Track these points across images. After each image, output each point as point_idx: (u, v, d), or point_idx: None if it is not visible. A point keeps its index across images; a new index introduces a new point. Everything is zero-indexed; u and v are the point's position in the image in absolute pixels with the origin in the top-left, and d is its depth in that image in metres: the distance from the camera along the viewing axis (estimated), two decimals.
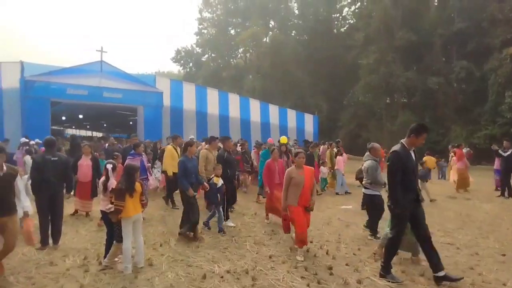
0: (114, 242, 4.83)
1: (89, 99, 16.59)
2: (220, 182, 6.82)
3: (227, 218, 7.14)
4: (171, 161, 8.58)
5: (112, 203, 4.65)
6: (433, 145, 24.34)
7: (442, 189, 12.85)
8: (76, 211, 7.59)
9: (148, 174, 8.99)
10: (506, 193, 10.92)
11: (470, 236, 6.53)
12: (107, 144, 13.16)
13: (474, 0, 25.05)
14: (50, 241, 5.53)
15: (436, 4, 29.41)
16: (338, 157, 12.09)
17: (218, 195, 6.72)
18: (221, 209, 6.76)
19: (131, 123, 25.59)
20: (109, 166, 5.15)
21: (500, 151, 11.49)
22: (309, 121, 25.21)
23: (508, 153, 10.96)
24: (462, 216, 8.50)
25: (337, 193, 11.56)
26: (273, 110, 23.54)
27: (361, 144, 16.79)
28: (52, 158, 5.54)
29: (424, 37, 28.32)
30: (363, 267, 4.90)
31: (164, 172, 9.01)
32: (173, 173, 8.32)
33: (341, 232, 6.70)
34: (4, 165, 4.39)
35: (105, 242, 5.07)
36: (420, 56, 29.67)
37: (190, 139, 14.57)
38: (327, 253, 5.46)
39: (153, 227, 6.78)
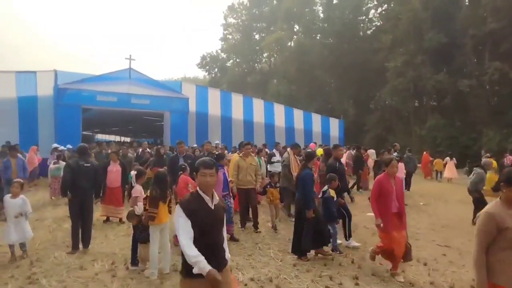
0: (138, 244, 4.95)
1: (118, 106, 17.13)
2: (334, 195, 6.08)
3: (349, 235, 6.24)
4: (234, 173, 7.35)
5: (145, 210, 4.77)
6: (463, 150, 23.51)
7: None
8: (108, 218, 7.71)
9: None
10: None
11: None
12: (140, 150, 12.02)
13: None
14: (81, 245, 5.71)
15: (467, 4, 28.46)
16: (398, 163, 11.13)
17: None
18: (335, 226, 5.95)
19: (157, 128, 26.12)
20: (133, 173, 5.30)
21: None
22: (334, 125, 24.98)
23: None
24: None
25: None
26: (298, 115, 23.49)
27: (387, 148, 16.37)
28: (85, 164, 5.76)
29: (455, 38, 27.41)
30: (390, 278, 4.78)
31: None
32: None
33: (367, 240, 6.56)
34: None
35: (131, 247, 5.18)
36: (451, 58, 28.71)
37: (216, 144, 14.80)
38: (352, 262, 5.37)
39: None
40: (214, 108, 19.95)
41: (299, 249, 5.54)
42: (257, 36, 49.22)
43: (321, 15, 43.32)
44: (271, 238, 6.71)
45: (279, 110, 22.82)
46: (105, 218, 7.69)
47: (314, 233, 5.42)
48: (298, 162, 8.08)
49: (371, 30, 39.63)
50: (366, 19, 40.18)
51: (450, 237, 6.90)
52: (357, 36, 38.40)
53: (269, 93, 37.74)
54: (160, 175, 4.98)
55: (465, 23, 26.37)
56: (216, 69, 51.06)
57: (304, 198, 5.51)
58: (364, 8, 39.38)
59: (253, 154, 8.00)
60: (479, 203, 7.52)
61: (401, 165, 10.11)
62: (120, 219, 7.67)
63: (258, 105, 22.17)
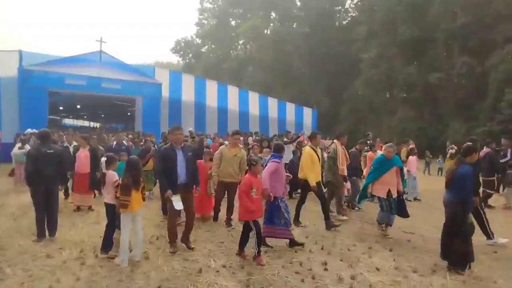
0: (116, 230, 4.86)
1: (87, 89, 16.59)
2: None
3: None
4: (311, 166, 6.66)
5: (117, 197, 4.67)
6: (431, 141, 24.38)
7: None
8: (78, 208, 7.47)
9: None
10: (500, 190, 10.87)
11: None
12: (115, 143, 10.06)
13: None
14: (47, 233, 5.55)
15: None
16: (410, 157, 10.67)
17: None
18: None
19: (129, 114, 25.56)
20: (103, 159, 5.19)
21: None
22: (308, 115, 25.24)
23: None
24: None
25: (408, 200, 9.51)
26: (272, 103, 23.55)
27: (359, 138, 16.75)
28: (48, 151, 5.54)
29: (427, 32, 28.18)
30: (358, 263, 4.94)
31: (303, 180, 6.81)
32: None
33: (337, 228, 6.73)
34: None
35: (103, 235, 5.07)
36: (422, 51, 29.54)
37: (189, 131, 14.63)
38: (322, 249, 5.49)
39: (150, 220, 6.80)
40: (188, 95, 19.69)
41: (459, 263, 4.78)
42: (233, 23, 48.64)
43: (298, 3, 43.29)
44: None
45: (253, 98, 22.80)
46: (76, 207, 7.47)
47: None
48: (347, 154, 7.69)
49: (347, 21, 40.06)
50: (342, 10, 40.57)
51: (414, 224, 7.18)
52: (333, 26, 38.71)
53: (244, 81, 37.60)
54: (132, 162, 4.88)
55: (437, 18, 27.12)
56: (190, 55, 50.25)
57: (467, 199, 4.85)
58: None
59: (241, 145, 7.62)
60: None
61: (412, 159, 10.60)
62: (89, 207, 7.48)
63: (233, 92, 22.06)
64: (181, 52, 50.32)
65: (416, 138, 24.03)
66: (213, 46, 49.29)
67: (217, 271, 4.52)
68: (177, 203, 5.06)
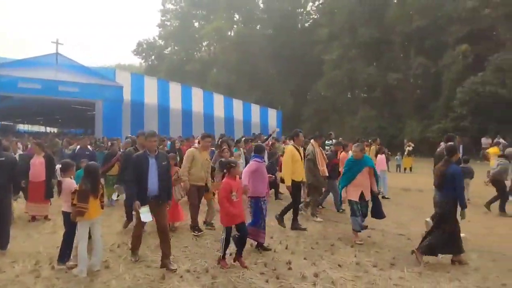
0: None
1: (42, 93, 15.90)
2: None
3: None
4: (292, 165, 6.69)
5: (73, 204, 4.48)
6: (390, 139, 25.32)
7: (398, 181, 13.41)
8: (33, 218, 7.08)
9: None
10: None
11: (420, 227, 6.85)
12: (78, 147, 9.66)
13: None
14: None
15: (395, 2, 30.41)
16: (379, 155, 11.03)
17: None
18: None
19: (88, 118, 24.69)
20: (58, 166, 4.98)
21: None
22: (272, 116, 25.49)
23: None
24: (414, 208, 8.95)
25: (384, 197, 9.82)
26: (237, 105, 23.58)
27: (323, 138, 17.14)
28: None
29: (385, 34, 29.29)
30: (321, 261, 5.05)
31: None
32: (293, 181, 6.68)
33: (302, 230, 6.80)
34: None
35: (60, 245, 4.86)
36: (381, 53, 30.66)
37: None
38: (286, 248, 5.57)
39: (111, 228, 6.60)
40: (150, 97, 19.31)
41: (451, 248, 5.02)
42: (196, 24, 48.22)
43: (261, 5, 43.62)
44: (207, 229, 6.68)
45: (218, 100, 22.72)
46: (31, 217, 7.10)
47: (449, 236, 5.01)
48: (324, 155, 7.70)
49: (309, 23, 40.81)
50: (304, 12, 41.29)
51: (375, 220, 7.42)
52: (295, 28, 39.32)
53: (208, 83, 37.36)
54: (91, 168, 4.72)
55: (394, 21, 28.22)
56: (153, 57, 49.27)
57: (460, 197, 4.99)
58: (302, 1, 40.37)
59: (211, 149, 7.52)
60: (503, 192, 8.33)
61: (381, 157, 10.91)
62: (45, 216, 7.15)
63: (197, 94, 21.89)
64: (143, 54, 49.23)
65: (377, 137, 24.95)
66: (176, 47, 48.60)
67: (181, 277, 4.46)
68: (145, 215, 4.64)
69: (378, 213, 6.13)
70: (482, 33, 24.24)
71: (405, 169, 17.91)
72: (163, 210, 4.86)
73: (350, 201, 6.00)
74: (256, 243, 5.55)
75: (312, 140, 7.68)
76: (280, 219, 6.70)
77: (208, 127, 19.96)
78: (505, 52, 22.01)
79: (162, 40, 49.69)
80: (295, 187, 6.60)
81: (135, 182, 4.74)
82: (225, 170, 5.08)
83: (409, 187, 12.34)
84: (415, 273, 4.67)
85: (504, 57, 21.52)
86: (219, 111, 22.22)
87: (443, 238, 4.97)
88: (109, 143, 10.23)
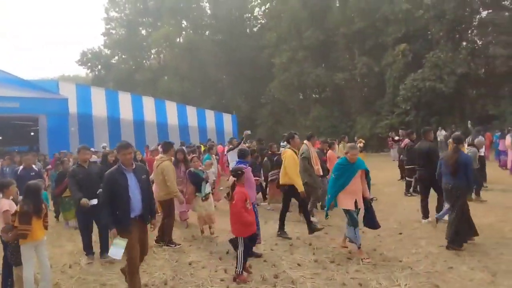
0: (13, 267, 4.37)
1: None
2: None
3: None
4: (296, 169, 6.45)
5: (14, 227, 4.18)
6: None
7: None
8: None
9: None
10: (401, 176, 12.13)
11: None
12: (21, 167, 8.23)
13: (370, 2, 27.49)
14: None
15: (338, 5, 31.60)
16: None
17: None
18: None
19: (32, 134, 23.22)
20: None
21: (395, 138, 12.88)
22: (227, 121, 25.50)
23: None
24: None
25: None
26: (191, 112, 23.33)
27: (278, 139, 17.38)
28: None
29: (330, 36, 30.35)
30: (280, 262, 5.12)
31: (285, 186, 6.54)
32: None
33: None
34: None
35: (1, 271, 4.53)
36: (327, 54, 31.72)
37: (103, 147, 13.77)
38: None
39: (61, 248, 6.26)
40: (99, 109, 18.55)
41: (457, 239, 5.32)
42: (143, 32, 47.00)
43: (209, 11, 43.50)
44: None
45: (171, 108, 22.31)
46: None
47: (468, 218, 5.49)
48: (316, 154, 7.61)
49: (257, 28, 41.29)
50: (252, 17, 41.70)
51: (331, 216, 7.63)
52: (244, 33, 39.61)
53: (160, 91, 36.55)
54: (32, 187, 4.45)
55: (337, 23, 29.33)
56: (99, 66, 47.25)
57: (471, 181, 5.59)
58: (249, 6, 40.77)
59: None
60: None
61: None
62: None
63: (149, 103, 21.35)
64: (89, 64, 47.03)
65: (329, 135, 25.76)
66: (123, 56, 46.99)
67: None
68: (117, 249, 3.89)
69: (372, 222, 5.45)
70: (418, 33, 25.90)
71: None
72: (146, 232, 4.31)
73: (347, 212, 5.30)
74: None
75: (305, 141, 7.57)
76: (310, 227, 6.29)
77: (162, 135, 19.53)
78: (439, 50, 23.66)
79: (108, 49, 47.83)
80: (294, 190, 6.27)
81: (111, 205, 4.02)
82: (235, 178, 4.79)
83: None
84: (370, 264, 4.87)
85: (439, 54, 23.14)
86: (172, 119, 21.82)
87: (464, 221, 5.37)
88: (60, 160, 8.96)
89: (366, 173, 5.47)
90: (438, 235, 5.84)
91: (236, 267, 4.58)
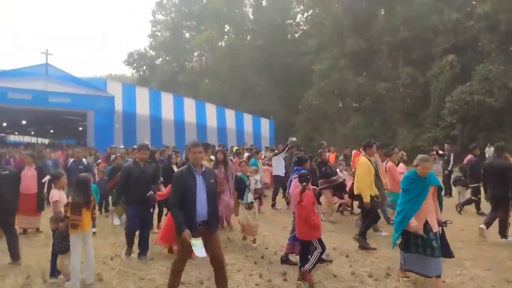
0: (59, 254, 4.61)
1: (33, 104, 15.76)
2: None
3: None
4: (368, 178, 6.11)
5: (67, 217, 4.42)
6: (382, 148, 25.51)
7: None
8: (25, 231, 6.95)
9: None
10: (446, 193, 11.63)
11: None
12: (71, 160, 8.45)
13: (418, 10, 26.73)
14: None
15: (383, 13, 30.99)
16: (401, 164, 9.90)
17: None
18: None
19: (80, 129, 24.50)
20: (47, 178, 4.94)
21: (440, 152, 12.38)
22: (265, 125, 25.59)
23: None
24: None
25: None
26: (230, 115, 23.64)
27: (315, 147, 17.26)
28: (3, 172, 5.22)
29: (373, 44, 29.78)
30: (315, 271, 5.03)
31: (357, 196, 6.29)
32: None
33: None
34: None
35: (50, 258, 4.79)
36: (370, 62, 31.13)
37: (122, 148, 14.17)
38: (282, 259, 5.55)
39: (103, 239, 6.52)
40: (142, 108, 19.25)
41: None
42: (187, 35, 48.39)
43: (251, 16, 44.07)
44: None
45: (210, 110, 22.75)
46: (22, 230, 6.96)
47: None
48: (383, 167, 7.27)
49: (298, 34, 41.27)
50: (294, 23, 41.76)
51: (369, 231, 7.43)
52: (285, 39, 39.72)
53: (201, 93, 37.42)
54: (82, 180, 4.68)
55: (382, 31, 28.72)
56: (144, 67, 49.17)
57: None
58: (291, 12, 40.86)
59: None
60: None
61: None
62: (37, 229, 7.04)
63: (189, 104, 21.89)
64: (135, 65, 49.13)
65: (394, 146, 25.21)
66: (167, 58, 48.62)
67: None
68: (199, 249, 3.72)
69: (445, 250, 4.57)
70: (467, 44, 24.82)
71: None
72: (216, 239, 4.00)
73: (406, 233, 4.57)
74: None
75: (376, 153, 6.95)
76: (362, 240, 6.12)
77: (201, 136, 19.96)
78: (490, 63, 22.53)
79: (153, 50, 49.70)
80: (372, 202, 6.01)
81: (180, 206, 3.84)
82: (304, 183, 4.72)
83: None
84: (410, 283, 4.69)
85: (489, 67, 22.04)
86: (211, 121, 22.25)
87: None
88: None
89: (439, 190, 4.65)
90: (485, 257, 5.53)
91: (307, 265, 4.56)
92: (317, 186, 6.87)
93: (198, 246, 3.71)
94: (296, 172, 5.34)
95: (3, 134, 35.56)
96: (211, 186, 3.99)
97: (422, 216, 4.44)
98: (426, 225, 4.42)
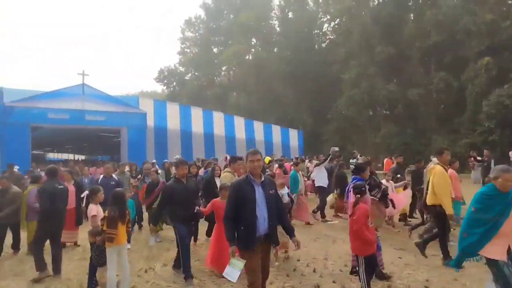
0: (98, 268, 4.74)
1: (71, 123, 16.52)
2: None
3: None
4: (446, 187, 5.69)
5: (103, 231, 4.57)
6: (415, 155, 24.69)
7: None
8: (64, 244, 7.19)
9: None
10: None
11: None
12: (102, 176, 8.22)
13: (448, 13, 25.98)
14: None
15: (412, 18, 30.35)
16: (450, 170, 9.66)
17: None
18: None
19: (114, 144, 25.35)
20: (85, 193, 5.12)
21: (478, 158, 11.86)
22: (293, 136, 25.50)
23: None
24: None
25: None
26: (258, 127, 23.75)
27: (346, 156, 16.92)
28: (59, 186, 5.60)
29: (403, 51, 29.13)
30: (350, 284, 4.91)
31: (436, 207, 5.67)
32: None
33: (327, 249, 6.70)
34: None
35: (88, 271, 4.94)
36: (400, 69, 30.42)
37: (176, 159, 14.52)
38: (314, 271, 5.45)
39: (137, 253, 6.66)
40: (173, 123, 19.73)
41: None
42: (215, 50, 49.40)
43: (278, 29, 44.44)
44: None
45: (239, 123, 22.97)
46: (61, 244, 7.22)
47: None
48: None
49: (326, 43, 41.12)
50: (321, 33, 41.68)
51: (405, 241, 7.19)
52: (312, 49, 39.64)
53: (229, 106, 37.89)
54: (118, 194, 4.82)
55: (411, 36, 28.09)
56: (174, 83, 50.54)
57: None
58: (318, 22, 40.85)
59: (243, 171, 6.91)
60: None
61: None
62: (75, 243, 7.29)
63: (218, 118, 22.21)
64: (165, 81, 50.61)
65: (401, 153, 24.44)
66: (196, 73, 49.78)
67: None
68: (234, 271, 3.51)
69: None
70: (504, 45, 23.76)
71: None
72: (269, 253, 3.87)
73: (494, 263, 3.59)
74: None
75: (434, 158, 6.36)
76: (423, 247, 5.90)
77: (230, 149, 20.16)
78: None
79: (183, 67, 51.08)
80: (443, 214, 5.53)
81: (233, 217, 3.63)
82: (358, 195, 4.56)
83: None
84: None
85: None
86: (240, 133, 22.43)
87: None
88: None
89: None
90: None
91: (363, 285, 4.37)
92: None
93: (235, 267, 3.49)
94: (354, 181, 5.15)
95: (43, 152, 37.35)
96: (271, 196, 3.73)
97: (503, 240, 3.55)
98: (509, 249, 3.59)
